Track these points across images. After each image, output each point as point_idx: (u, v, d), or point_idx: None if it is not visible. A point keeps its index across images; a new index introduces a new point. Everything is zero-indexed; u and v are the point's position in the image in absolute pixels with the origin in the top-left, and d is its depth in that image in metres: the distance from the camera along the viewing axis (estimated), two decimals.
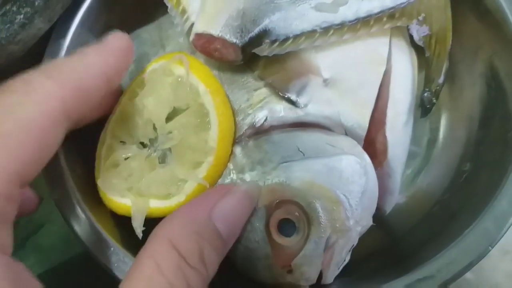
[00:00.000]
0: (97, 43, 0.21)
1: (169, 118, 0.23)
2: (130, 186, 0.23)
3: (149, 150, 0.24)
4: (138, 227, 0.22)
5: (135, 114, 0.24)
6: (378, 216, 0.25)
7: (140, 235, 0.22)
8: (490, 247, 0.21)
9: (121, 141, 0.24)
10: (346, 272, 0.24)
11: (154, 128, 0.24)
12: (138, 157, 0.23)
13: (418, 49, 0.27)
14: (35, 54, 0.28)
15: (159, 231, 0.18)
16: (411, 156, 0.28)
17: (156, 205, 0.23)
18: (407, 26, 0.27)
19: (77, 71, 0.19)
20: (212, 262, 0.18)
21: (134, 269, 0.17)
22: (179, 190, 0.23)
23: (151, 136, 0.24)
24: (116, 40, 0.21)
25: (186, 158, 0.23)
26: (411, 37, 0.27)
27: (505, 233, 0.21)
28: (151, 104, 0.23)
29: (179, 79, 0.23)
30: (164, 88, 0.23)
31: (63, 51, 0.28)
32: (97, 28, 0.29)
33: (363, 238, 0.24)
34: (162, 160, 0.24)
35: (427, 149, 0.29)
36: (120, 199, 0.23)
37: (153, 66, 0.25)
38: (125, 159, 0.24)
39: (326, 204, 0.22)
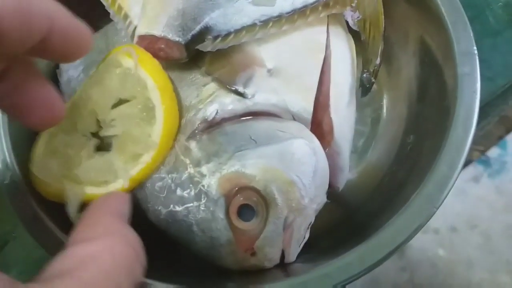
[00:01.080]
0: None
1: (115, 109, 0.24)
2: (67, 172, 0.23)
3: (90, 141, 0.24)
4: (72, 212, 0.22)
5: (80, 105, 0.24)
6: (332, 193, 0.26)
7: (75, 221, 0.22)
8: (434, 209, 0.23)
9: (63, 131, 0.24)
10: (307, 249, 0.25)
11: (98, 121, 0.24)
12: (77, 145, 0.23)
13: (355, 34, 0.29)
14: None
15: None
16: (358, 135, 0.30)
17: (92, 191, 0.23)
18: (342, 13, 0.28)
19: None
20: None
21: None
22: (117, 177, 0.23)
23: (93, 128, 0.24)
24: None
25: (127, 149, 0.23)
26: (346, 23, 0.29)
27: (447, 195, 0.23)
28: (96, 94, 0.23)
29: (127, 71, 0.24)
30: (111, 79, 0.24)
31: None
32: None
33: (320, 215, 0.25)
34: (105, 149, 0.24)
35: (372, 127, 0.31)
36: (55, 185, 0.23)
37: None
38: (64, 146, 0.24)
39: (281, 186, 0.23)
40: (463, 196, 0.40)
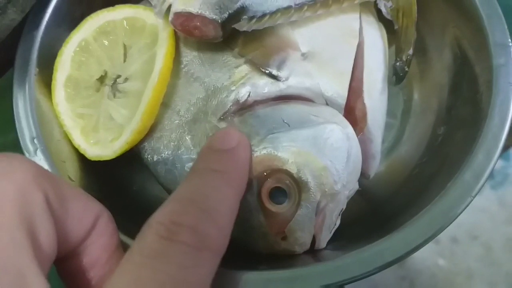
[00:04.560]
0: None
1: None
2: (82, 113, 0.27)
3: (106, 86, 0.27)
4: None
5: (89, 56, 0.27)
6: (363, 181, 0.26)
7: None
8: (471, 198, 0.22)
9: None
10: (337, 236, 0.24)
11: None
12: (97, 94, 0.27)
13: (387, 24, 0.29)
14: (8, 46, 0.27)
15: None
16: (387, 127, 0.30)
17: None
18: (375, 1, 0.28)
19: None
20: None
21: None
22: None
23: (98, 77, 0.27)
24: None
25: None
26: (379, 12, 0.29)
27: (483, 184, 0.23)
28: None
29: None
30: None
31: (36, 43, 0.28)
32: (69, 19, 0.29)
33: (348, 206, 0.25)
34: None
35: (402, 119, 0.31)
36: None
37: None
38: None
39: (314, 170, 0.23)
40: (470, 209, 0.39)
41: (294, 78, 0.25)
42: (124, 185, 0.30)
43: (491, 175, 0.39)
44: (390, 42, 0.29)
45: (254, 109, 0.25)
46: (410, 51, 0.28)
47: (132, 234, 0.22)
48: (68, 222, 0.17)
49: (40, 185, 0.16)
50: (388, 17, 0.28)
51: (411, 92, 0.31)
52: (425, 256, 0.36)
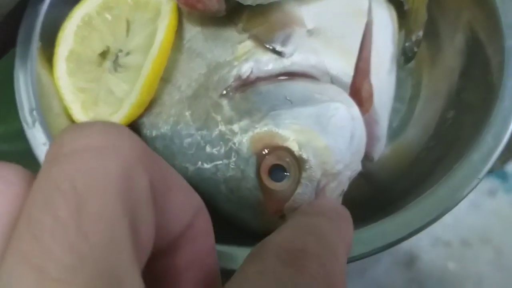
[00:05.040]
0: None
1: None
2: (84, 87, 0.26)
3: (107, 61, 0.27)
4: None
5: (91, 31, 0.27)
6: (366, 163, 0.25)
7: None
8: (478, 179, 0.21)
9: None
10: None
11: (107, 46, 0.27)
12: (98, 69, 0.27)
13: (398, 6, 0.28)
14: (12, 20, 0.27)
15: None
16: (394, 111, 0.29)
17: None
18: None
19: None
20: None
21: None
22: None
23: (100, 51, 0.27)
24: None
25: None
26: None
27: (490, 167, 0.22)
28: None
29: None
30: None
31: (40, 17, 0.27)
32: None
33: (350, 188, 0.24)
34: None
35: (410, 104, 0.30)
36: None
37: None
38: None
39: (315, 148, 0.22)
40: (477, 210, 0.38)
41: (298, 54, 0.24)
42: None
43: (505, 178, 0.38)
44: (400, 26, 0.28)
45: (256, 85, 0.24)
46: (420, 32, 0.27)
47: None
48: (166, 216, 0.14)
49: (147, 167, 0.12)
50: None
51: (420, 76, 0.30)
52: (435, 259, 0.36)
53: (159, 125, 0.25)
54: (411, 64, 0.30)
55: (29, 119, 0.25)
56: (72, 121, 0.27)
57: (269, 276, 0.13)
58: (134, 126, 0.26)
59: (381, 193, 0.27)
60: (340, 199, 0.24)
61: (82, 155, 0.11)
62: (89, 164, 0.11)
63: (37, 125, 0.25)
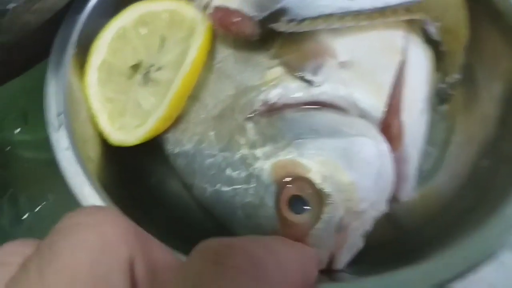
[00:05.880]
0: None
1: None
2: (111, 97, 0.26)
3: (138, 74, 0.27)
4: None
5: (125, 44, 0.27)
6: (393, 205, 0.24)
7: None
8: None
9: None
10: (357, 261, 0.22)
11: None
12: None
13: (435, 46, 0.27)
14: (50, 27, 0.28)
15: None
16: (426, 155, 0.28)
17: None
18: (423, 21, 0.27)
19: None
20: None
21: None
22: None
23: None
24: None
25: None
26: (426, 32, 0.27)
27: None
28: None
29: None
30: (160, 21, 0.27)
31: (78, 26, 0.28)
32: (113, 8, 0.29)
33: (374, 229, 0.23)
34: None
35: (442, 148, 0.28)
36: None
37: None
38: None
39: (339, 183, 0.21)
40: (499, 266, 0.36)
41: (328, 84, 0.24)
42: (142, 176, 0.29)
43: None
44: (437, 68, 0.27)
45: (283, 112, 0.23)
46: (456, 75, 0.26)
47: (145, 227, 0.21)
48: None
49: (128, 243, 0.13)
50: (436, 37, 0.27)
51: (453, 121, 0.29)
52: None
53: (183, 142, 0.25)
54: (445, 108, 0.29)
55: (55, 122, 0.25)
56: (97, 129, 0.27)
57: (191, 275, 0.13)
58: (159, 141, 0.26)
59: (406, 237, 0.26)
60: (363, 240, 0.22)
61: (71, 229, 0.13)
62: (72, 236, 0.13)
63: (62, 129, 0.25)
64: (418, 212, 0.26)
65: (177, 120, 0.25)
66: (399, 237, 0.26)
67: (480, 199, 0.24)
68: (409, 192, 0.24)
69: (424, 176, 0.27)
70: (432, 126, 0.28)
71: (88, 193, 0.22)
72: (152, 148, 0.26)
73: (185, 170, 0.24)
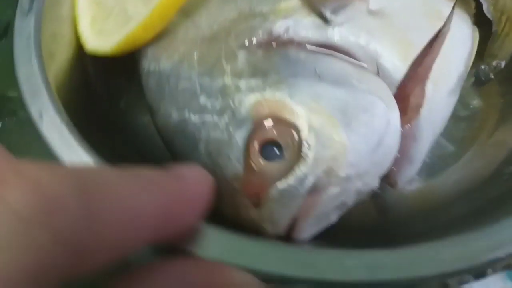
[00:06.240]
0: (164, 171, 0.13)
1: None
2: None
3: None
4: None
5: None
6: (386, 188, 0.20)
7: None
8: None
9: None
10: (326, 238, 0.18)
11: None
12: None
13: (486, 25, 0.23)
14: None
15: None
16: (440, 147, 0.24)
17: None
18: None
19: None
20: None
21: None
22: None
23: None
24: (195, 182, 0.14)
25: None
26: (480, 7, 0.23)
27: None
28: None
29: None
30: None
31: None
32: None
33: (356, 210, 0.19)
34: None
35: (462, 146, 0.24)
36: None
37: None
38: None
39: (328, 139, 0.17)
40: None
41: (348, 27, 0.19)
42: (111, 97, 0.25)
43: None
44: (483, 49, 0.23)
45: (285, 48, 0.19)
46: (503, 62, 0.22)
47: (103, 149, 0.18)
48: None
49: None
50: (489, 15, 0.22)
51: (484, 119, 0.24)
52: None
53: (161, 59, 0.21)
54: (478, 104, 0.25)
55: (26, 5, 0.22)
56: (74, 32, 0.23)
57: None
58: (136, 57, 0.23)
59: (389, 227, 0.21)
60: (337, 214, 0.18)
61: None
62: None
63: (30, 16, 0.21)
64: (411, 206, 0.22)
65: (160, 36, 0.22)
66: (382, 224, 0.21)
67: (493, 205, 0.19)
68: (409, 177, 0.20)
69: (430, 169, 0.23)
70: (457, 122, 0.24)
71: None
72: (127, 68, 0.23)
73: (155, 91, 0.21)
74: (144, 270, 0.12)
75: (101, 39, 0.22)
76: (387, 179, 0.19)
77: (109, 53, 0.22)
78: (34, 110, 0.18)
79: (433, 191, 0.22)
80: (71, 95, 0.22)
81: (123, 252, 0.12)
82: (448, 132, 0.24)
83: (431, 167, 0.23)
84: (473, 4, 0.23)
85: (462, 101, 0.25)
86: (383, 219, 0.22)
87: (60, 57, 0.22)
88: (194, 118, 0.19)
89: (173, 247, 0.14)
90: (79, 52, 0.23)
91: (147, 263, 0.12)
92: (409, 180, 0.20)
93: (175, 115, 0.20)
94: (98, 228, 0.11)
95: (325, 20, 0.20)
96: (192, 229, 0.14)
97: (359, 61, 0.19)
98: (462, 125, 0.25)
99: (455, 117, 0.23)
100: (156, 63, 0.21)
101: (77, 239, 0.10)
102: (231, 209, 0.18)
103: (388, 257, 0.14)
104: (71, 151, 0.17)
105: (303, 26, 0.20)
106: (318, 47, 0.20)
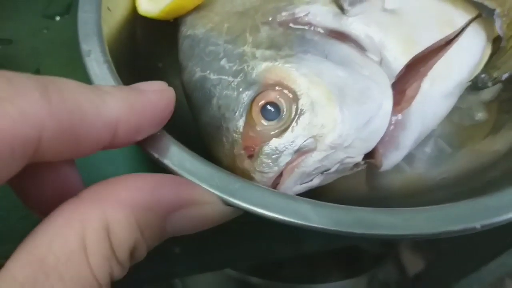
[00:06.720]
0: (128, 87, 0.17)
1: None
2: None
3: None
4: None
5: None
6: (370, 168, 0.22)
7: None
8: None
9: None
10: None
11: None
12: None
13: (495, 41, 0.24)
14: None
15: (107, 191, 0.15)
16: (436, 147, 0.25)
17: None
18: (493, 16, 0.24)
19: (79, 104, 0.14)
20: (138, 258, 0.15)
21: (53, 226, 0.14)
22: None
23: None
24: (154, 94, 0.17)
25: None
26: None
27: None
28: None
29: None
30: None
31: None
32: None
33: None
34: None
35: (454, 149, 0.26)
36: None
37: None
38: None
39: (323, 109, 0.20)
40: None
41: (361, 19, 0.22)
42: (152, 56, 0.29)
43: None
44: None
45: (303, 29, 0.22)
46: (504, 75, 0.23)
47: None
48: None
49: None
50: (500, 32, 0.24)
51: (484, 130, 0.26)
52: None
53: (196, 26, 0.24)
54: (483, 117, 0.26)
55: None
56: None
57: None
58: (178, 23, 0.26)
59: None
60: (319, 179, 0.20)
61: None
62: None
63: None
64: (397, 195, 0.24)
65: (200, 7, 0.25)
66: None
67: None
68: (394, 162, 0.22)
69: (424, 160, 0.24)
70: (460, 130, 0.26)
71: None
72: (170, 34, 0.26)
73: (186, 52, 0.24)
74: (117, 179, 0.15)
75: (151, 3, 0.26)
76: (374, 159, 0.21)
77: (157, 16, 0.25)
78: (84, 48, 0.22)
79: (420, 179, 0.24)
80: (118, 45, 0.25)
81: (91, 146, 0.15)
82: (450, 138, 0.25)
83: (426, 164, 0.25)
84: (495, 27, 0.25)
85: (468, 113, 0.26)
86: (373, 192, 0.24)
87: (116, 13, 0.26)
88: (213, 76, 0.22)
89: None
90: (133, 12, 0.27)
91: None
92: (394, 165, 0.22)
93: (198, 73, 0.23)
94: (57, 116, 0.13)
95: (342, 9, 0.22)
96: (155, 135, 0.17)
97: (366, 50, 0.22)
98: (466, 133, 0.26)
99: (457, 127, 0.25)
100: (192, 29, 0.24)
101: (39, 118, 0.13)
102: (229, 158, 0.20)
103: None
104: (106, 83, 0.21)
105: (321, 13, 0.22)
106: (331, 32, 0.22)
